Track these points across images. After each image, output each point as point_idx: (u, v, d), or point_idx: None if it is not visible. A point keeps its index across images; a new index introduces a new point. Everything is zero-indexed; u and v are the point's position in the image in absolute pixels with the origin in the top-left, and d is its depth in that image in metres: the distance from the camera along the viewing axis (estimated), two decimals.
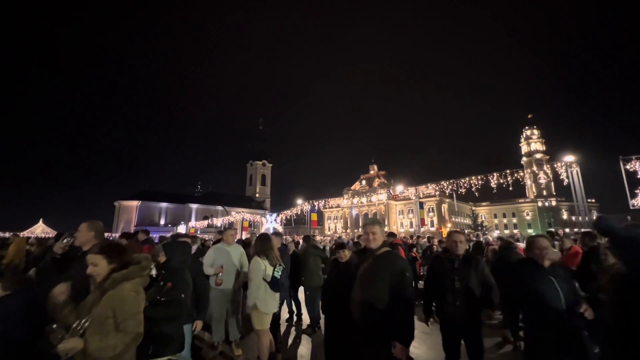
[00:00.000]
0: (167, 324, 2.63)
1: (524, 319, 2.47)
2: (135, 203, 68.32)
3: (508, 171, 12.44)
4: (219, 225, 37.90)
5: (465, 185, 14.14)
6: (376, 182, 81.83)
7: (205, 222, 39.54)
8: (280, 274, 3.60)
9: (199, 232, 32.54)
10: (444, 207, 75.71)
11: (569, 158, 10.12)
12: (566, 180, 10.31)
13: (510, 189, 12.50)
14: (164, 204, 71.49)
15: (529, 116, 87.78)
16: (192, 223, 46.28)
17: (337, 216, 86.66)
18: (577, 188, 9.75)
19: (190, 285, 2.99)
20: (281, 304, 4.41)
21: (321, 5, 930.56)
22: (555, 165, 10.72)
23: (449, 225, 71.44)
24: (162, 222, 69.19)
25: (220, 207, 71.25)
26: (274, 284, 3.54)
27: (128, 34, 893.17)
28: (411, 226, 69.35)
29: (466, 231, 64.79)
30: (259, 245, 3.77)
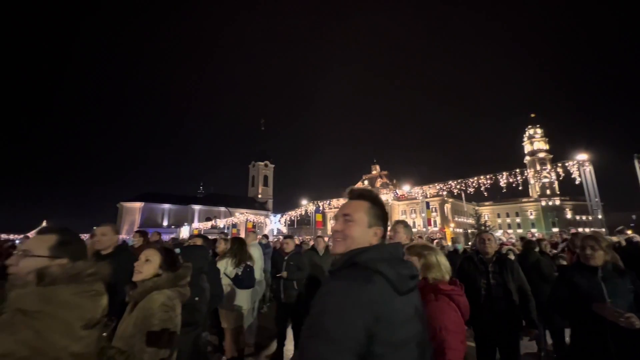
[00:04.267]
0: (182, 330, 2.51)
1: (572, 328, 2.27)
2: (138, 205, 68.31)
3: (517, 170, 12.28)
4: (221, 226, 37.84)
5: (473, 184, 13.99)
6: (378, 182, 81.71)
7: (209, 224, 39.43)
8: (241, 271, 3.85)
9: (202, 233, 32.43)
10: (447, 207, 75.41)
11: (582, 156, 9.96)
12: (578, 179, 10.14)
13: (520, 188, 12.33)
14: (166, 206, 71.48)
15: (532, 115, 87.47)
16: (195, 224, 46.23)
17: None
18: (590, 187, 9.57)
19: (205, 292, 2.87)
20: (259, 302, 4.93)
21: (324, 6, 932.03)
22: (567, 164, 10.56)
23: (452, 225, 71.11)
24: (165, 223, 69.16)
25: (223, 208, 71.29)
26: (238, 280, 3.83)
27: (129, 38, 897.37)
28: (414, 226, 69.09)
29: (469, 231, 64.80)
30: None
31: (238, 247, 4.10)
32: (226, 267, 3.89)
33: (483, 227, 60.33)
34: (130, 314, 1.66)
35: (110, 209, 73.11)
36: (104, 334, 1.62)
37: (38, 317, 0.98)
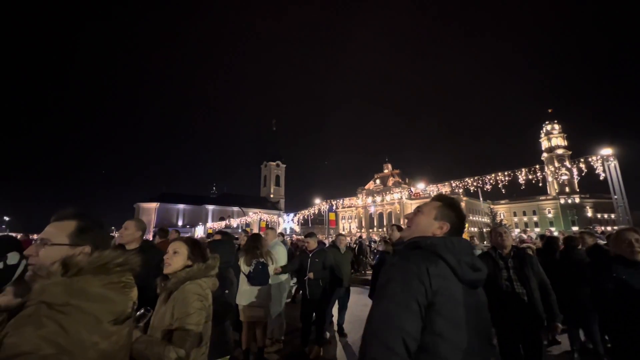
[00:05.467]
0: (212, 323, 2.56)
1: (612, 327, 2.16)
2: (154, 205, 69.98)
3: (537, 166, 11.95)
4: (235, 226, 38.28)
5: (490, 181, 13.68)
6: (390, 181, 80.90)
7: (222, 223, 39.98)
8: (252, 267, 3.81)
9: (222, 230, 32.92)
10: (462, 205, 74.02)
11: (606, 151, 9.60)
12: (602, 175, 9.79)
13: (540, 185, 12.00)
14: (181, 206, 72.97)
15: (549, 111, 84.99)
16: (209, 224, 46.92)
17: (352, 216, 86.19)
18: (616, 183, 9.21)
19: (234, 284, 2.93)
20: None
21: (336, 7, 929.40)
22: (589, 159, 10.20)
23: (466, 224, 69.74)
24: (180, 223, 70.54)
25: (236, 208, 72.12)
26: (249, 277, 3.83)
27: (143, 41, 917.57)
28: None
29: (484, 230, 63.07)
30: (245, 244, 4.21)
31: (249, 244, 4.11)
32: (242, 263, 3.96)
33: (498, 224, 58.91)
34: (166, 305, 1.69)
35: (128, 210, 75.10)
36: (140, 324, 1.67)
37: (64, 310, 0.88)
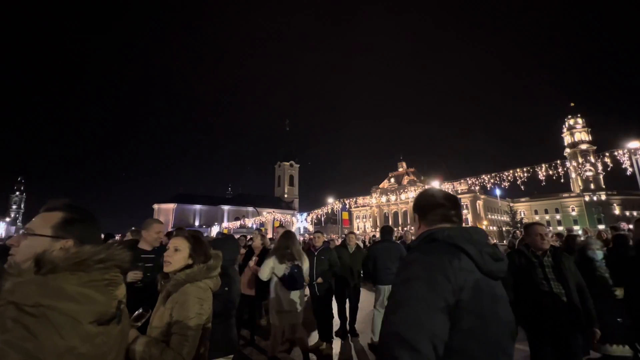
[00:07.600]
0: (214, 320, 2.51)
1: None
2: (171, 206, 71.74)
3: (558, 162, 11.43)
4: (250, 225, 38.76)
5: (508, 178, 13.20)
6: (405, 180, 79.84)
7: (238, 223, 40.57)
8: (288, 271, 3.56)
9: (232, 232, 33.54)
10: (479, 203, 72.32)
11: (634, 144, 9.05)
12: (630, 169, 9.26)
13: (562, 181, 11.47)
14: (197, 206, 74.50)
15: (571, 104, 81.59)
16: (225, 224, 47.70)
17: (366, 215, 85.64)
18: None
19: (236, 283, 2.88)
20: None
21: (348, 5, 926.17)
22: (616, 153, 9.67)
23: (484, 222, 68.07)
24: (197, 223, 72.03)
25: (250, 208, 73.06)
26: (284, 281, 3.58)
27: (156, 44, 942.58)
28: None
29: (503, 228, 61.10)
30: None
31: (281, 244, 3.80)
32: (274, 265, 3.69)
33: (519, 225, 57.10)
34: (164, 306, 1.64)
35: (145, 210, 77.36)
36: (139, 324, 1.63)
37: (34, 312, 0.80)
